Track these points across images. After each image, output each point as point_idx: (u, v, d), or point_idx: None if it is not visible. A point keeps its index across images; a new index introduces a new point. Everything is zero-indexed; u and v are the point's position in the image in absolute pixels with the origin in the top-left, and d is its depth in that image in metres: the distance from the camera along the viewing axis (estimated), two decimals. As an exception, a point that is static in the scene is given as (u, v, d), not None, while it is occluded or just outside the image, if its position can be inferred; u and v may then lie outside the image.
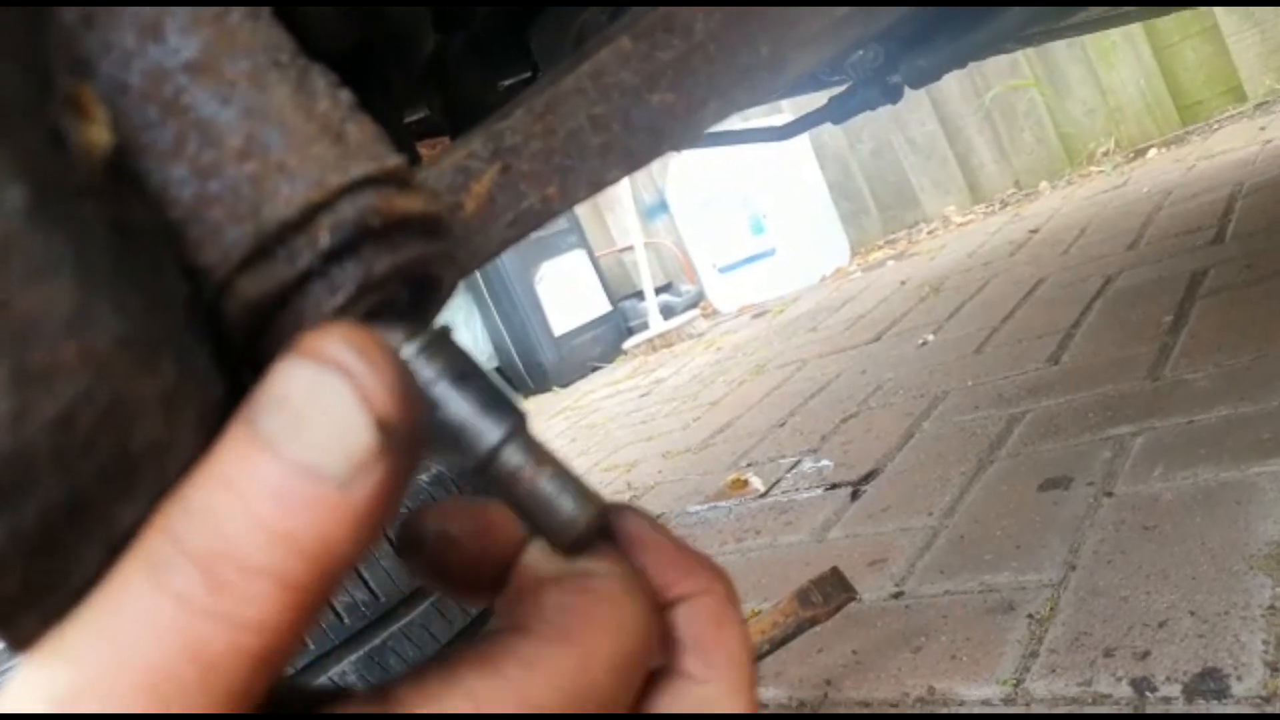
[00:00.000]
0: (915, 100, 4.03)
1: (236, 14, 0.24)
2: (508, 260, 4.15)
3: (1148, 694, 0.75)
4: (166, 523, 0.17)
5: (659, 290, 4.55)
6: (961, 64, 0.94)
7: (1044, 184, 3.91)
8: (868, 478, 1.48)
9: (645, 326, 4.19)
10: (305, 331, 0.20)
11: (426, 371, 0.24)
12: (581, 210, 4.71)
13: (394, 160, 0.25)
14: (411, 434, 0.19)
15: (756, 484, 1.69)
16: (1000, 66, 3.84)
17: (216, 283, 0.22)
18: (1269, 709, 0.68)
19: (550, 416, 3.61)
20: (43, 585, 0.18)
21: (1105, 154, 3.79)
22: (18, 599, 0.17)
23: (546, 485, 0.25)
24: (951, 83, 3.94)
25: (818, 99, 1.23)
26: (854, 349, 2.46)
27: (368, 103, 0.26)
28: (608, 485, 2.14)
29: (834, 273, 4.07)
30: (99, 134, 0.20)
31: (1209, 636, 0.77)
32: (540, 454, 0.25)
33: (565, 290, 4.30)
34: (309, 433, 0.17)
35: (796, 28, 0.38)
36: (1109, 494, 1.09)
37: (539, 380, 4.30)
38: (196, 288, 0.22)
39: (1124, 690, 0.76)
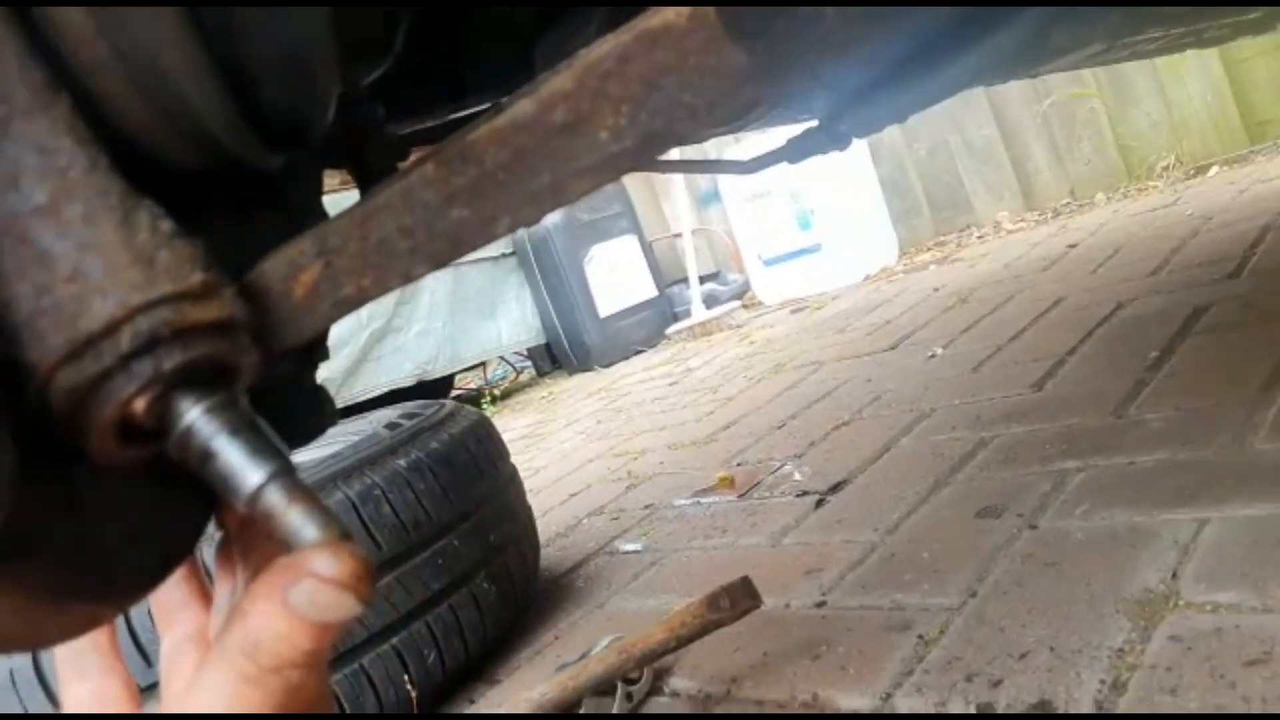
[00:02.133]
0: (974, 103, 3.99)
1: (78, 168, 0.34)
2: (559, 241, 4.26)
3: None
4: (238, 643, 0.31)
5: (707, 278, 4.61)
6: (902, 118, 1.00)
7: (1100, 195, 3.85)
8: (836, 488, 1.55)
9: (690, 314, 4.27)
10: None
11: (207, 429, 0.34)
12: (637, 195, 4.79)
13: (197, 279, 0.34)
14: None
15: (741, 484, 1.77)
16: (1063, 74, 3.78)
17: (42, 375, 0.32)
18: (1082, 743, 0.75)
19: (585, 396, 3.73)
20: None
21: (1166, 169, 3.72)
22: None
23: (296, 518, 0.33)
24: (1012, 88, 3.89)
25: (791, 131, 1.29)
26: (869, 355, 2.51)
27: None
28: (612, 472, 2.24)
29: (879, 271, 4.08)
30: None
31: (1055, 671, 0.84)
32: (294, 493, 0.34)
33: (614, 273, 4.39)
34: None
35: (573, 161, 0.46)
36: (1033, 527, 1.14)
37: (582, 359, 4.41)
38: (14, 382, 0.32)
39: (969, 713, 0.83)
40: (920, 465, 1.51)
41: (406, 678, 1.11)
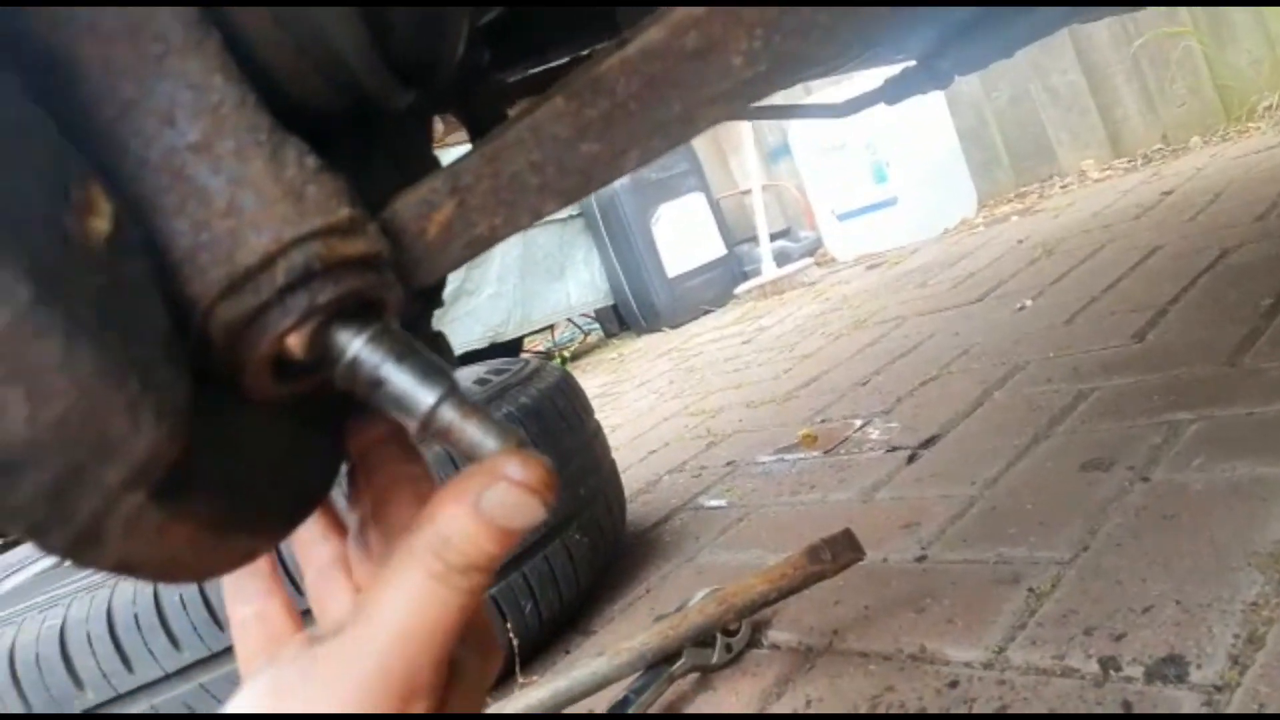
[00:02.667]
0: (1058, 48, 3.83)
1: (229, 105, 0.33)
2: (626, 201, 4.23)
3: (1111, 672, 0.79)
4: (427, 543, 0.32)
5: (777, 236, 4.54)
6: (1009, 53, 0.95)
7: (1195, 139, 3.67)
8: (927, 443, 1.51)
9: (759, 273, 4.21)
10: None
11: (373, 358, 0.35)
12: (704, 152, 4.73)
13: (344, 213, 0.34)
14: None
15: (826, 440, 1.74)
16: (1154, 12, 3.60)
17: (202, 309, 0.32)
18: (1218, 697, 0.71)
19: (656, 357, 3.72)
20: (58, 518, 0.28)
21: (1268, 109, 3.53)
22: (43, 526, 0.28)
23: (472, 432, 0.34)
24: (1099, 29, 3.72)
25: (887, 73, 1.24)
26: (954, 309, 2.44)
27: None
28: (689, 430, 2.23)
29: (958, 224, 3.97)
30: (101, 225, 0.30)
31: (1184, 625, 0.80)
32: (467, 409, 0.34)
33: (681, 232, 4.35)
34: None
35: (705, 89, 0.44)
36: (1145, 479, 1.10)
37: (650, 320, 4.40)
38: (180, 317, 0.32)
39: (1091, 666, 0.80)
40: (1016, 419, 1.47)
41: (508, 627, 1.12)
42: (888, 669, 0.94)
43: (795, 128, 4.13)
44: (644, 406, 2.77)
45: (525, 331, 4.40)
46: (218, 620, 1.05)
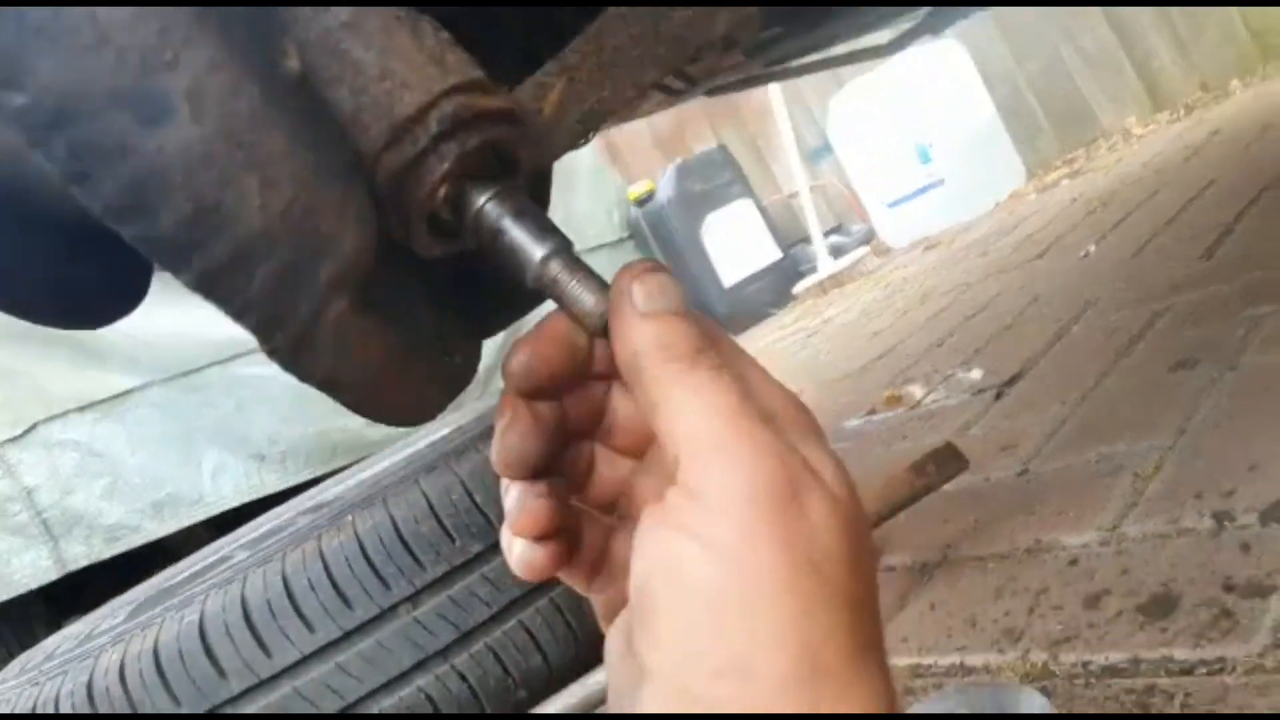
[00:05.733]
0: (1083, 10, 3.84)
1: None
2: (674, 216, 4.31)
3: (1226, 524, 0.83)
4: (655, 360, 0.34)
5: (829, 232, 4.58)
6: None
7: (1234, 83, 3.64)
8: (1011, 381, 1.55)
9: (815, 271, 4.25)
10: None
11: (496, 211, 0.39)
12: (744, 158, 4.80)
13: (478, 74, 0.40)
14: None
15: (911, 397, 1.78)
16: (1179, -39, 3.60)
17: (369, 162, 0.37)
18: (1333, 526, 0.75)
19: (726, 361, 3.76)
20: (281, 316, 0.34)
21: (1307, 41, 3.49)
22: (270, 323, 0.34)
23: (576, 287, 0.38)
24: (1125, -15, 3.73)
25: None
26: (1017, 268, 2.47)
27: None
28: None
29: (1009, 197, 3.97)
30: (294, 65, 0.37)
31: (1291, 474, 0.84)
32: (574, 265, 0.38)
33: (733, 240, 4.42)
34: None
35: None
36: (1233, 368, 1.13)
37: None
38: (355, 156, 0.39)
39: (1206, 523, 0.84)
40: (1096, 345, 1.50)
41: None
42: (1006, 565, 0.98)
43: (833, 124, 4.19)
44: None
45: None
46: (346, 599, 1.06)
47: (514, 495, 0.37)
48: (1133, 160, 3.28)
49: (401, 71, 0.37)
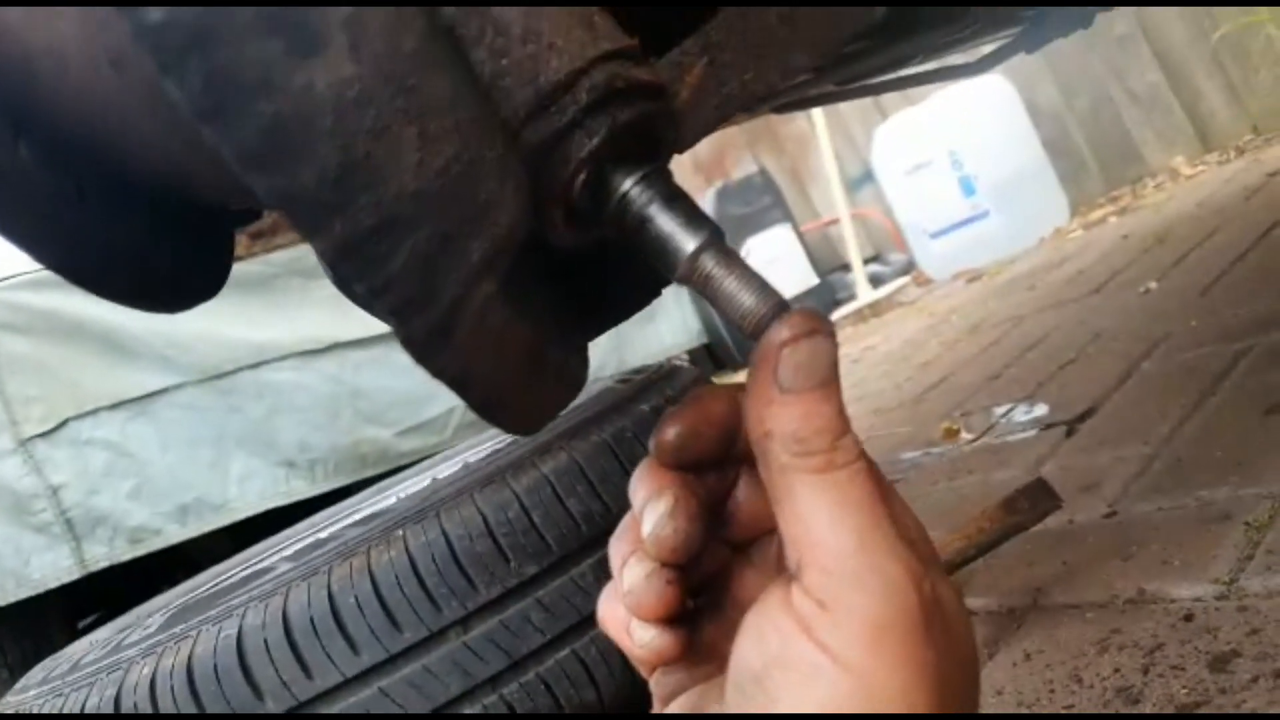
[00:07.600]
0: (1134, 49, 3.79)
1: None
2: (714, 239, 4.27)
3: (1367, 582, 0.76)
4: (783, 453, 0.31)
5: (868, 261, 4.52)
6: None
7: (1292, 124, 3.57)
8: (1083, 417, 1.48)
9: (853, 298, 4.19)
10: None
11: (643, 197, 0.34)
12: (784, 184, 4.76)
13: (629, 41, 0.34)
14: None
15: (969, 431, 1.71)
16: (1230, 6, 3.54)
17: (510, 132, 0.31)
18: None
19: (760, 387, 3.70)
20: (424, 297, 0.29)
21: (1366, 85, 3.42)
22: (410, 305, 0.28)
23: (733, 284, 0.33)
24: (1175, 25, 3.68)
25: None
26: (1073, 302, 2.40)
27: None
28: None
29: (1053, 233, 3.90)
30: (439, 19, 0.31)
31: None
32: (729, 260, 0.33)
33: (771, 265, 4.36)
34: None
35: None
36: (1343, 414, 1.06)
37: (747, 355, 4.39)
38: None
39: None
40: (1175, 383, 1.43)
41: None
42: (1107, 615, 0.91)
43: (877, 153, 4.14)
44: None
45: (623, 375, 4.44)
46: (395, 621, 1.00)
47: (643, 575, 0.34)
48: (1185, 199, 3.21)
49: (549, 32, 0.31)
